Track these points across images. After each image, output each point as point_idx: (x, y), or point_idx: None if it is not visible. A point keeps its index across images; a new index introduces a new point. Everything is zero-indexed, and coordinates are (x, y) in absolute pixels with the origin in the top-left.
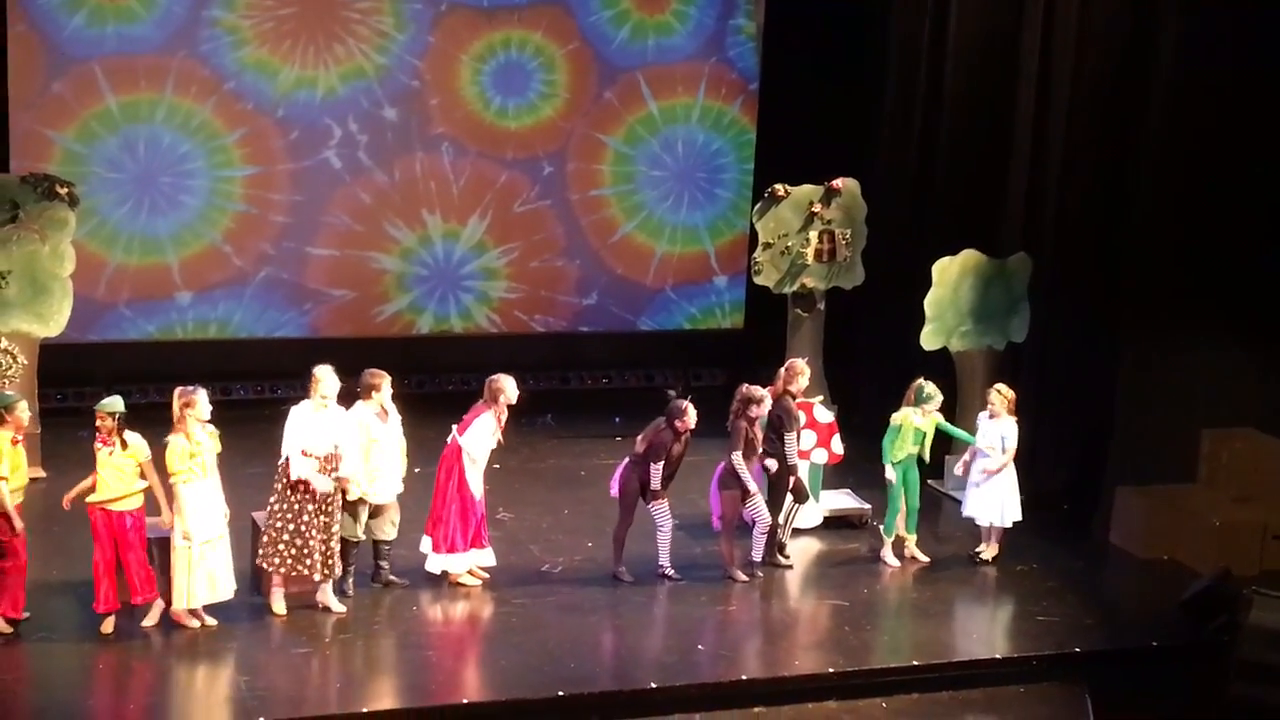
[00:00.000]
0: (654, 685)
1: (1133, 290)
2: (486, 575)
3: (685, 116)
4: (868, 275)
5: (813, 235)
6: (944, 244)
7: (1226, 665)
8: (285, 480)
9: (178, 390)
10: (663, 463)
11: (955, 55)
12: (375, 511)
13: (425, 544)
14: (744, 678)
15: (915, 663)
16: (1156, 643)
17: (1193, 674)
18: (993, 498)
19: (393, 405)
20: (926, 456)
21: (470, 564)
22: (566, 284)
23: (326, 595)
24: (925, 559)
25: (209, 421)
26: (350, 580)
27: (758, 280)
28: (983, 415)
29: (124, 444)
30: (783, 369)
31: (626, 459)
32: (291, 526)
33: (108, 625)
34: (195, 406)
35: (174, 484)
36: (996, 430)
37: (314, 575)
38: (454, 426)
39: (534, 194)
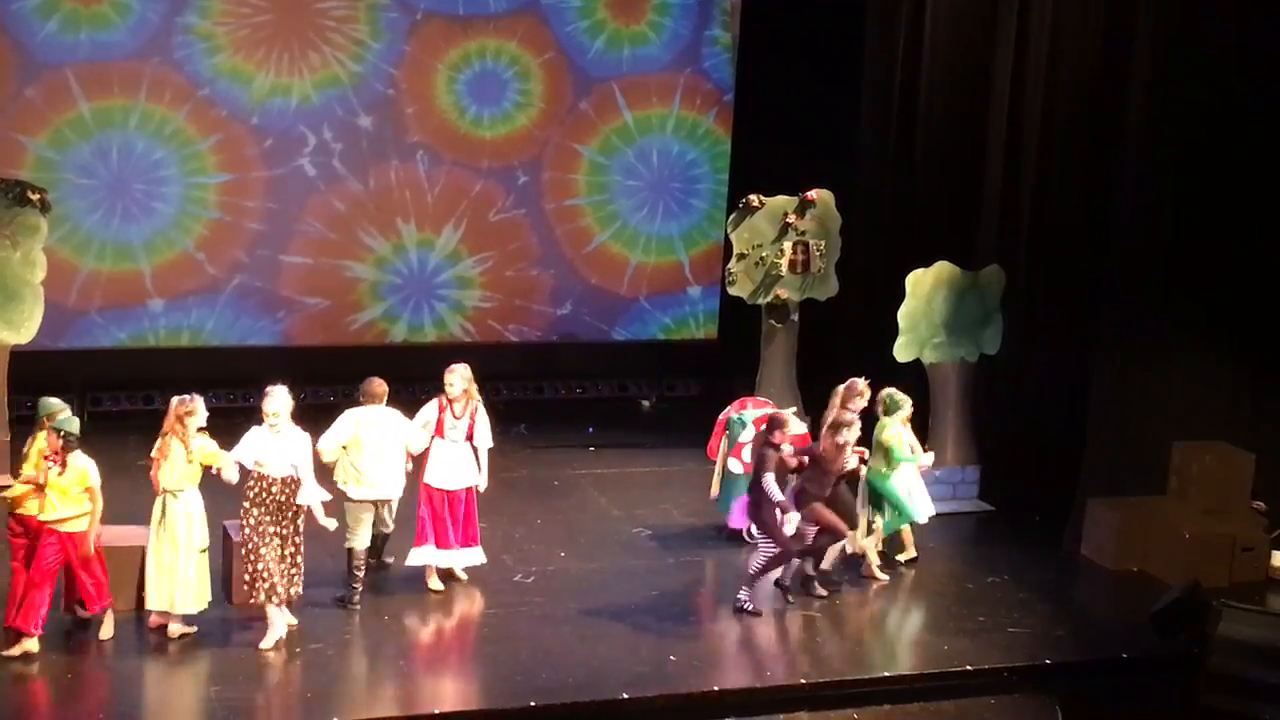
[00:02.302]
0: (626, 696)
1: (1106, 304)
2: (441, 588)
3: (660, 127)
4: (842, 286)
5: (787, 246)
6: (919, 256)
7: (1196, 677)
8: (245, 506)
9: (177, 399)
10: (770, 474)
11: (930, 66)
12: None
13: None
14: (716, 689)
15: (886, 674)
16: (1127, 654)
17: (1163, 686)
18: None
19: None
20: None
21: (430, 561)
22: (541, 293)
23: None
24: (884, 578)
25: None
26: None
27: (732, 291)
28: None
29: (66, 466)
30: (842, 387)
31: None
32: (262, 550)
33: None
34: (195, 415)
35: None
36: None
37: (292, 591)
38: None
39: (509, 203)
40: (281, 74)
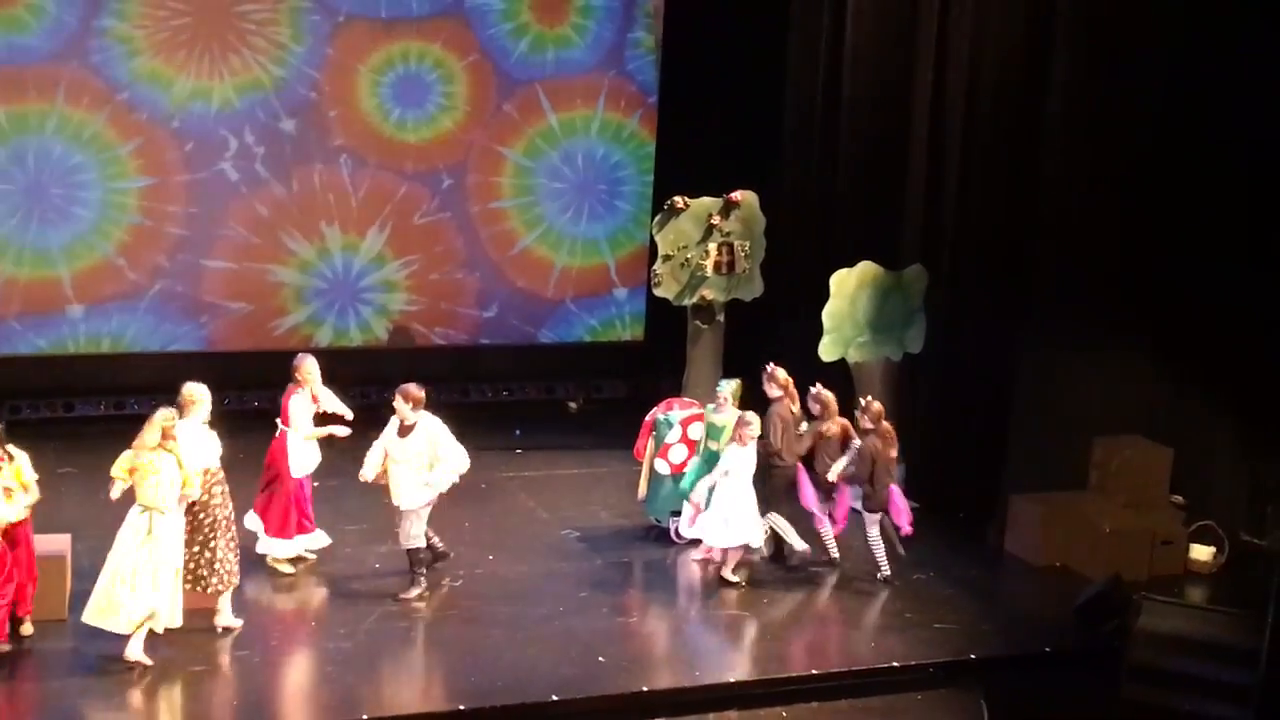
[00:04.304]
0: (556, 698)
1: (1027, 302)
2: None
3: (585, 129)
4: (767, 287)
5: (712, 247)
6: (843, 256)
7: (1118, 669)
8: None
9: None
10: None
11: (853, 67)
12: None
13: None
14: (645, 689)
15: (814, 671)
16: (1050, 648)
17: (1086, 678)
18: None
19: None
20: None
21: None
22: (466, 296)
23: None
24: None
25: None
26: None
27: (657, 292)
28: (735, 446)
29: None
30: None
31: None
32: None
33: None
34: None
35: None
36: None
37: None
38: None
39: (433, 206)
40: (202, 77)
